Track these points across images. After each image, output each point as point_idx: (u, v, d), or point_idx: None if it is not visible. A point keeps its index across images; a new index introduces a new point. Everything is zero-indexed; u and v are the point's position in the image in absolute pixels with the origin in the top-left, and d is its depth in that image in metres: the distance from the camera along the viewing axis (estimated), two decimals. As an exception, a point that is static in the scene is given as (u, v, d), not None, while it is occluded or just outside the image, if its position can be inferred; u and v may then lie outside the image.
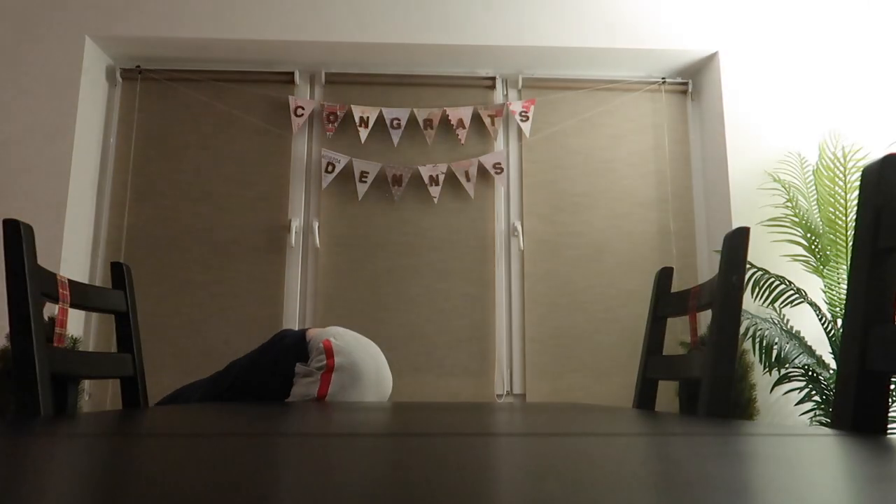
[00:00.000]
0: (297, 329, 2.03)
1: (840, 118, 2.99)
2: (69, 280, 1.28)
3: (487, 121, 3.14)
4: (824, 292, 2.68)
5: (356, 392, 1.68)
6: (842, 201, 2.63)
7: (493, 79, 3.22)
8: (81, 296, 1.32)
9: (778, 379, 2.56)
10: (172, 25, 2.98)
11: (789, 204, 2.76)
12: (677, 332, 2.75)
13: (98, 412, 1.25)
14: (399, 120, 3.09)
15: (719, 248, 1.31)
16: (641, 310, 2.94)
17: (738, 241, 1.23)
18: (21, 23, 2.97)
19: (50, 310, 1.18)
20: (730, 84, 3.03)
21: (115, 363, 1.43)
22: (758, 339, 2.51)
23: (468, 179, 3.08)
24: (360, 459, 0.45)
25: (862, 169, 0.88)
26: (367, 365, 1.71)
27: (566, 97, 3.21)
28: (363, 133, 3.08)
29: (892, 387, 1.04)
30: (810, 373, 2.53)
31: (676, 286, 1.56)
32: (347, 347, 1.69)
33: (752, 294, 2.65)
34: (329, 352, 1.66)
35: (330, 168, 3.06)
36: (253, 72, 3.18)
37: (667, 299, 1.55)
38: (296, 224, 3.06)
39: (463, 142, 3.12)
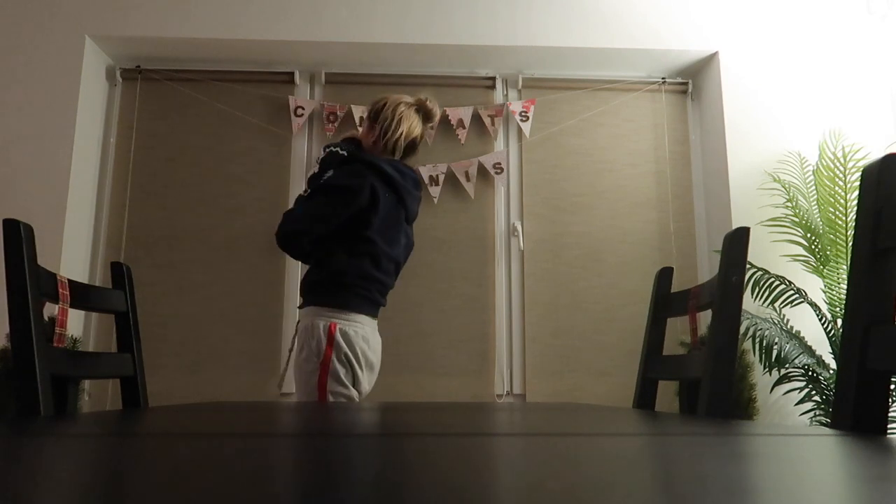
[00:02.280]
0: None
1: (840, 118, 2.99)
2: (69, 280, 1.28)
3: (487, 121, 3.14)
4: (824, 292, 2.68)
5: None
6: (842, 201, 2.63)
7: (493, 79, 3.22)
8: (81, 296, 1.32)
9: (778, 379, 2.56)
10: (172, 25, 2.98)
11: (789, 204, 2.76)
12: (677, 332, 2.75)
13: (98, 412, 1.25)
14: (399, 120, 3.09)
15: (719, 248, 1.31)
16: (641, 310, 2.93)
17: (738, 241, 1.23)
18: (21, 23, 2.97)
19: (50, 310, 1.18)
20: (730, 84, 3.02)
21: (115, 363, 1.43)
22: (758, 339, 2.51)
23: (468, 179, 3.08)
24: (359, 459, 0.45)
25: (862, 169, 0.88)
26: None
27: (566, 97, 3.21)
28: (363, 133, 3.08)
29: (893, 387, 1.04)
30: (810, 373, 2.53)
31: (676, 286, 1.56)
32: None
33: (752, 294, 2.65)
34: None
35: (330, 168, 3.06)
36: (253, 72, 3.18)
37: (667, 299, 1.55)
38: (296, 224, 3.05)
39: (463, 142, 3.12)
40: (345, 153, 1.81)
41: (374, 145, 1.84)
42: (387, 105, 1.83)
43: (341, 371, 1.68)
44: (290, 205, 3.05)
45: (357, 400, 1.73)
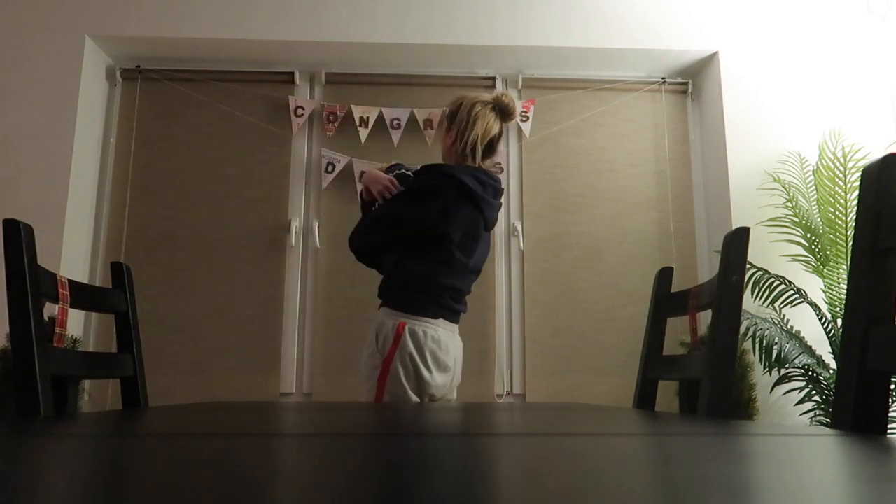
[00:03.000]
0: None
1: (840, 118, 2.99)
2: (69, 280, 1.28)
3: (487, 121, 3.13)
4: (824, 292, 2.68)
5: None
6: (842, 201, 2.63)
7: (493, 79, 3.22)
8: (81, 296, 1.32)
9: (778, 379, 2.56)
10: (172, 25, 2.98)
11: (789, 204, 2.76)
12: (677, 332, 2.75)
13: (98, 412, 1.25)
14: (399, 120, 3.09)
15: (719, 248, 1.31)
16: (641, 310, 2.93)
17: (738, 241, 1.23)
18: (21, 23, 2.97)
19: (50, 310, 1.18)
20: (730, 84, 3.02)
21: (115, 363, 1.43)
22: (758, 339, 2.51)
23: (468, 179, 3.08)
24: (359, 459, 0.45)
25: (862, 169, 0.88)
26: None
27: (566, 97, 3.21)
28: (363, 133, 3.08)
29: (893, 387, 1.04)
30: (810, 373, 2.53)
31: (676, 286, 1.56)
32: None
33: (752, 294, 2.65)
34: None
35: (330, 168, 3.06)
36: (253, 72, 3.18)
37: (667, 299, 1.55)
38: (296, 224, 3.06)
39: (463, 142, 3.12)
40: (410, 172, 1.81)
41: (452, 148, 1.83)
42: (462, 106, 1.81)
43: (401, 372, 1.65)
44: (290, 204, 3.08)
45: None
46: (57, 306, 1.22)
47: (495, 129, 1.81)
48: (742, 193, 2.93)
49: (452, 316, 1.77)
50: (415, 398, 1.67)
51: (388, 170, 1.86)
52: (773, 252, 2.78)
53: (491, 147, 1.82)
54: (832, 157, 2.66)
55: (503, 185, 3.13)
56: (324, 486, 0.34)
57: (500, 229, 3.10)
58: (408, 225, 1.72)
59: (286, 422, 0.87)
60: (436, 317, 1.72)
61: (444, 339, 1.72)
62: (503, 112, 1.82)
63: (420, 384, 1.67)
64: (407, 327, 1.67)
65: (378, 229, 1.76)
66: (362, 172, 1.90)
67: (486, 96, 1.83)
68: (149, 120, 3.14)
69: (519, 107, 1.85)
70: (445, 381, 1.73)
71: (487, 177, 1.80)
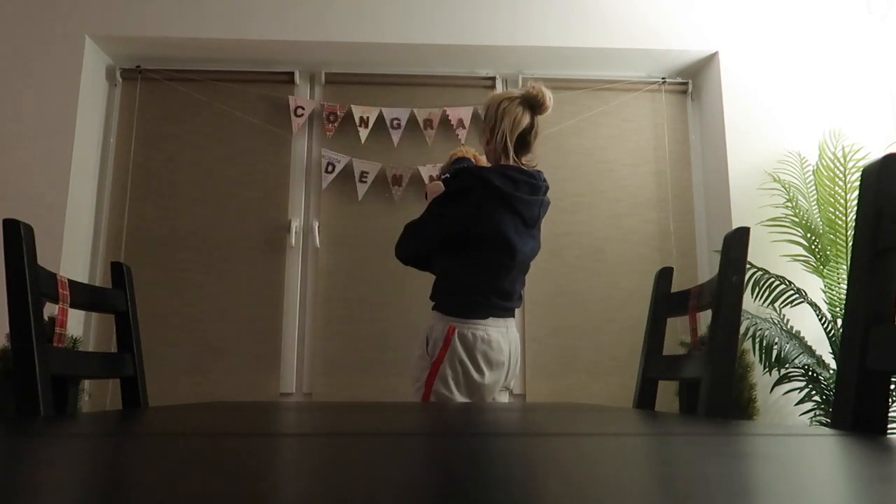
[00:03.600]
0: None
1: (840, 118, 2.99)
2: (69, 280, 1.28)
3: (487, 121, 3.14)
4: (824, 292, 2.68)
5: None
6: (842, 201, 2.63)
7: (493, 79, 3.22)
8: (81, 296, 1.32)
9: (778, 379, 2.56)
10: (172, 25, 2.98)
11: (789, 204, 2.76)
12: (677, 332, 2.75)
13: (98, 412, 1.25)
14: (399, 120, 3.09)
15: (719, 248, 1.31)
16: (641, 310, 2.92)
17: (738, 241, 1.23)
18: (21, 23, 2.97)
19: (50, 310, 1.18)
20: (730, 84, 3.02)
21: (115, 363, 1.43)
22: (758, 339, 2.51)
23: (468, 179, 3.08)
24: (359, 459, 0.45)
25: (862, 169, 0.88)
26: None
27: (566, 97, 3.21)
28: (363, 133, 3.08)
29: (893, 387, 1.04)
30: (810, 373, 2.53)
31: (676, 286, 1.56)
32: None
33: (752, 294, 2.65)
34: None
35: (330, 168, 3.06)
36: (253, 72, 3.18)
37: (667, 299, 1.55)
38: (296, 224, 3.06)
39: (463, 142, 3.12)
40: (447, 175, 1.86)
41: (489, 149, 1.86)
42: (490, 105, 1.83)
43: (449, 374, 1.70)
44: (290, 204, 3.08)
45: None
46: (57, 306, 1.23)
47: (524, 122, 1.79)
48: (742, 193, 2.93)
49: (503, 312, 1.80)
50: (461, 399, 1.73)
51: (451, 165, 1.94)
52: (773, 252, 2.78)
53: (523, 142, 1.80)
54: (832, 157, 2.66)
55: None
56: (324, 486, 0.34)
57: (500, 229, 3.10)
58: (443, 229, 1.76)
59: (286, 422, 0.87)
60: (485, 317, 1.76)
61: (494, 337, 1.76)
62: (532, 105, 1.80)
63: (470, 385, 1.72)
64: (457, 331, 1.72)
65: (417, 237, 1.83)
66: (431, 179, 2.02)
67: (516, 92, 1.83)
68: (149, 120, 3.14)
69: (550, 98, 1.83)
70: (498, 377, 1.78)
71: (521, 173, 1.78)
